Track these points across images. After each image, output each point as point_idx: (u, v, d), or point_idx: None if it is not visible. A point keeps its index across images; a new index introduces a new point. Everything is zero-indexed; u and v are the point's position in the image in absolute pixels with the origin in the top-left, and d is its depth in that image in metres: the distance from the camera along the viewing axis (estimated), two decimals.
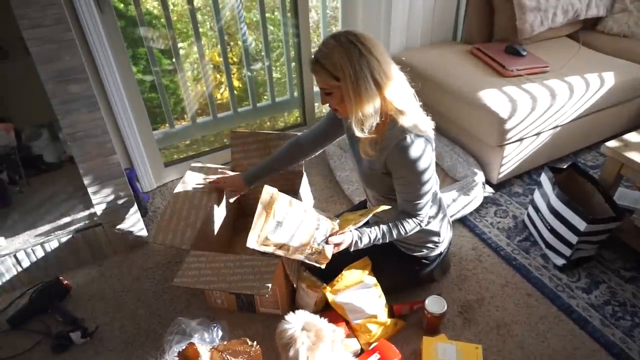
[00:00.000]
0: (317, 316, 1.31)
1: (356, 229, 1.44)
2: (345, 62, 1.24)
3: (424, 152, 1.33)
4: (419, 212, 1.42)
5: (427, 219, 1.47)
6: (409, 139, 1.30)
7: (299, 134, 1.83)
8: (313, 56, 1.32)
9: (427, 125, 1.38)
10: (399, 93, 1.32)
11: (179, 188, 1.74)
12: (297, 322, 1.25)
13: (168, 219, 1.63)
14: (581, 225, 1.64)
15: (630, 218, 1.83)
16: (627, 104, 2.34)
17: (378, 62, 1.27)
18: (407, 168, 1.34)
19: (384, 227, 1.43)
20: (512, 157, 2.13)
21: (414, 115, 1.34)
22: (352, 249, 1.44)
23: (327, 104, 1.37)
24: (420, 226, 1.46)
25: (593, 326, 1.59)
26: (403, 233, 1.44)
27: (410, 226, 1.44)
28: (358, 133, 1.31)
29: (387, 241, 1.47)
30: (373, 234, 1.43)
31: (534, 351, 1.52)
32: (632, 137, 1.75)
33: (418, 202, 1.40)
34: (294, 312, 1.30)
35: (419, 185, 1.37)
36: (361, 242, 1.43)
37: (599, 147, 1.74)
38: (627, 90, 2.25)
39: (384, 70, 1.28)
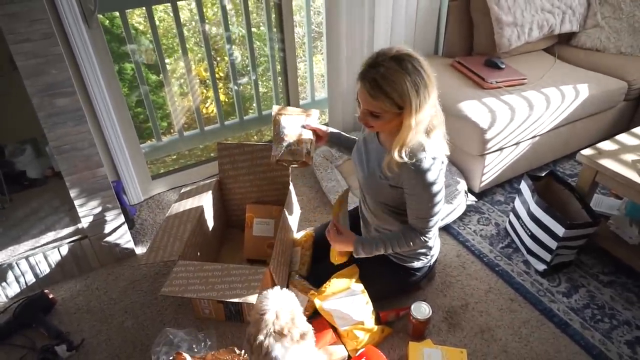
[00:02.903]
0: (296, 304, 1.27)
1: (368, 241, 1.46)
2: (413, 93, 1.22)
3: (438, 174, 1.35)
4: (427, 230, 1.44)
5: (433, 236, 1.49)
6: (427, 160, 1.32)
7: None
8: (372, 78, 1.23)
9: (445, 149, 1.40)
10: (437, 117, 1.35)
11: (164, 222, 1.76)
12: (274, 303, 1.21)
13: (159, 240, 1.65)
14: (560, 230, 1.69)
15: (606, 224, 1.90)
16: (601, 114, 2.43)
17: (433, 88, 1.27)
18: (422, 188, 1.35)
19: (390, 237, 1.44)
20: (493, 166, 2.19)
21: (439, 137, 1.37)
22: (355, 255, 1.45)
23: (361, 120, 1.35)
24: (426, 242, 1.48)
25: (573, 329, 1.63)
26: (408, 246, 1.46)
27: (416, 240, 1.46)
28: (396, 156, 1.29)
29: (392, 251, 1.49)
30: (378, 243, 1.44)
31: (517, 355, 1.55)
32: (606, 145, 1.81)
33: (428, 220, 1.42)
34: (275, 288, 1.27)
35: (430, 205, 1.39)
36: (363, 249, 1.44)
37: (576, 156, 1.80)
38: (600, 101, 2.34)
39: (435, 96, 1.29)
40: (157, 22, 2.99)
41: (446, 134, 1.43)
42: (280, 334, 1.17)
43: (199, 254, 1.75)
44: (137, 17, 3.55)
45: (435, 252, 1.68)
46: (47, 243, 1.81)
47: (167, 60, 3.08)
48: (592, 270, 1.85)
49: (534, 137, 2.24)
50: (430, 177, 1.33)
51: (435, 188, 1.36)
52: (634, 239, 1.80)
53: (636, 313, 1.68)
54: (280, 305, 1.21)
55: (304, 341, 1.23)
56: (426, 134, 1.35)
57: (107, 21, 2.96)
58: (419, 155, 1.32)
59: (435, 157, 1.34)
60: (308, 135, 1.63)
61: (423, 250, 1.61)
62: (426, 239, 1.46)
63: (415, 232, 1.45)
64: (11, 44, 1.42)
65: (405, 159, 1.30)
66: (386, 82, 1.23)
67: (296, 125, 1.64)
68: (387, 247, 1.47)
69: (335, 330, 1.55)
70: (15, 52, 1.43)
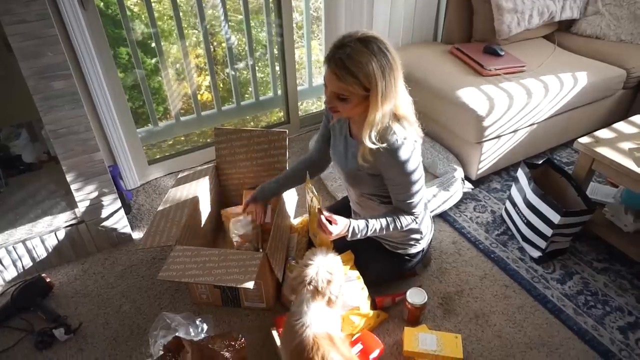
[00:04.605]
0: (339, 271, 1.34)
1: (360, 227, 1.42)
2: (379, 74, 1.22)
3: (412, 154, 1.35)
4: (413, 210, 1.45)
5: (421, 215, 1.49)
6: (399, 142, 1.32)
7: (285, 130, 1.87)
8: (339, 59, 1.22)
9: (418, 132, 1.40)
10: (404, 100, 1.35)
11: (161, 207, 1.75)
12: (317, 262, 1.31)
13: (156, 225, 1.65)
14: (555, 218, 1.70)
15: (601, 211, 1.91)
16: (600, 103, 2.42)
17: (399, 71, 1.28)
18: (397, 170, 1.36)
19: (382, 220, 1.43)
20: (490, 154, 2.19)
21: (409, 122, 1.37)
22: (349, 237, 1.41)
23: (328, 103, 1.34)
24: (416, 222, 1.49)
25: (567, 315, 1.65)
26: (399, 227, 1.45)
27: (406, 221, 1.46)
28: (368, 142, 1.30)
29: (384, 234, 1.48)
30: (371, 225, 1.42)
31: (511, 340, 1.57)
32: (603, 133, 1.82)
33: (410, 200, 1.43)
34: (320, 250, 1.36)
35: (409, 186, 1.40)
36: (359, 230, 1.41)
37: (573, 144, 1.81)
38: (599, 89, 2.34)
39: (401, 79, 1.29)
40: (153, 4, 2.94)
41: (417, 119, 1.41)
42: (315, 290, 1.27)
43: (196, 239, 1.75)
44: None
45: (426, 236, 1.68)
46: (44, 227, 1.81)
47: (163, 43, 3.04)
48: (587, 258, 1.87)
49: (532, 124, 2.24)
50: (404, 157, 1.34)
51: (411, 168, 1.36)
52: (629, 226, 1.82)
53: (629, 299, 1.70)
54: (323, 265, 1.29)
55: (332, 305, 1.31)
56: (396, 120, 1.35)
57: (102, 3, 2.91)
58: (390, 139, 1.32)
59: (406, 138, 1.34)
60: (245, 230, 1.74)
61: (416, 236, 1.61)
62: (415, 217, 1.47)
63: (402, 213, 1.46)
64: (6, 24, 1.40)
65: (377, 144, 1.31)
66: (352, 62, 1.22)
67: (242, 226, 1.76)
68: (382, 230, 1.45)
69: None
70: (10, 34, 1.41)
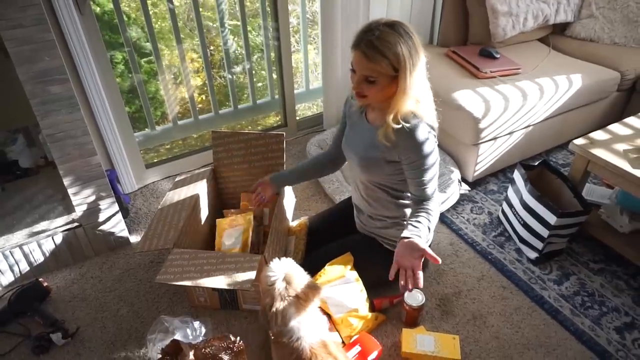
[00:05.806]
0: (300, 269, 1.32)
1: (411, 231, 1.32)
2: (407, 54, 1.26)
3: (431, 138, 1.38)
4: (431, 196, 1.45)
5: (438, 200, 1.50)
6: (421, 126, 1.35)
7: (282, 133, 1.87)
8: (369, 41, 1.27)
9: (434, 118, 1.43)
10: (424, 84, 1.38)
11: (158, 210, 1.75)
12: (280, 271, 1.26)
13: (154, 229, 1.65)
14: (552, 219, 1.71)
15: (597, 212, 1.92)
16: (594, 105, 2.44)
17: (422, 55, 1.32)
18: (418, 153, 1.37)
19: (425, 220, 1.37)
20: (486, 156, 2.20)
21: (426, 106, 1.40)
22: (422, 244, 1.30)
23: (356, 88, 1.35)
24: (437, 203, 1.47)
25: (564, 316, 1.66)
26: (437, 218, 1.43)
27: (435, 208, 1.44)
28: (392, 122, 1.33)
29: (431, 230, 1.42)
30: (425, 229, 1.35)
31: (509, 341, 1.58)
32: (598, 135, 1.83)
33: (428, 186, 1.43)
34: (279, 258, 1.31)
35: (428, 167, 1.40)
36: (418, 233, 1.33)
37: (569, 146, 1.82)
38: (594, 91, 2.36)
39: (423, 63, 1.34)
40: (151, 8, 2.95)
41: (434, 103, 1.44)
42: (296, 298, 1.23)
43: (193, 242, 1.75)
44: (127, 1, 3.50)
45: (428, 239, 1.68)
46: (41, 232, 1.81)
47: (160, 47, 3.05)
48: (583, 259, 1.88)
49: (528, 126, 2.26)
50: (422, 138, 1.35)
51: (429, 151, 1.38)
52: (624, 227, 1.83)
53: (625, 300, 1.71)
54: (286, 272, 1.26)
55: (316, 298, 1.28)
56: (418, 102, 1.37)
57: (98, 8, 2.92)
58: (412, 122, 1.35)
59: (427, 124, 1.37)
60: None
61: None
62: (437, 201, 1.46)
63: (427, 203, 1.44)
64: (2, 29, 1.40)
65: (402, 123, 1.34)
66: (382, 43, 1.26)
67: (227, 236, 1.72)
68: (431, 227, 1.40)
69: (329, 317, 1.57)
70: (7, 38, 1.41)
